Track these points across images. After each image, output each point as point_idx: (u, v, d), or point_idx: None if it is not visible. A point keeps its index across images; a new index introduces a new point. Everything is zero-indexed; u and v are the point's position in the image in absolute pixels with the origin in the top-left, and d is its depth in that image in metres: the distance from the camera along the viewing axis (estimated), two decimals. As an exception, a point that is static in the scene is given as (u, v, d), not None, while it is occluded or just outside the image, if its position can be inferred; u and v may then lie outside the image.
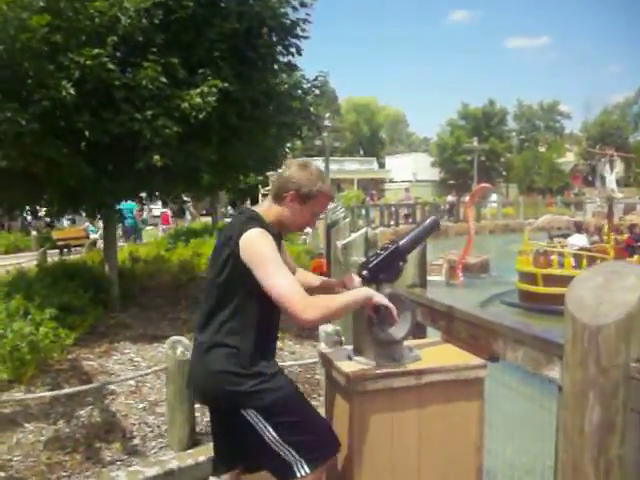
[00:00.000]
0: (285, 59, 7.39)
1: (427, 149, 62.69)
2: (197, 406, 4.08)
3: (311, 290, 2.50)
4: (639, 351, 1.75)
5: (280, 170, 2.54)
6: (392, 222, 27.78)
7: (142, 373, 4.77)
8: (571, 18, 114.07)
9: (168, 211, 23.88)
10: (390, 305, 2.33)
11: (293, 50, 7.22)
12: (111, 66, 5.88)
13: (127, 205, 18.83)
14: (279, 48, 7.12)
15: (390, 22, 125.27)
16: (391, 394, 2.43)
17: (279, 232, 2.45)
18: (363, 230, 5.79)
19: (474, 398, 2.58)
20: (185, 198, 11.14)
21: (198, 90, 6.19)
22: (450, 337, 2.90)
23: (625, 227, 15.26)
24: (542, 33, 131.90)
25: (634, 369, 1.73)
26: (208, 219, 20.63)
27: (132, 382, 4.99)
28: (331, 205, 15.29)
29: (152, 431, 4.34)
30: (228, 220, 2.55)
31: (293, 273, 2.52)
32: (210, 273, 2.44)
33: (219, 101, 6.35)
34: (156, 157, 6.10)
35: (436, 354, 2.70)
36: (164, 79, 6.11)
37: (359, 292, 2.33)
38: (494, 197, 36.87)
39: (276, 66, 7.25)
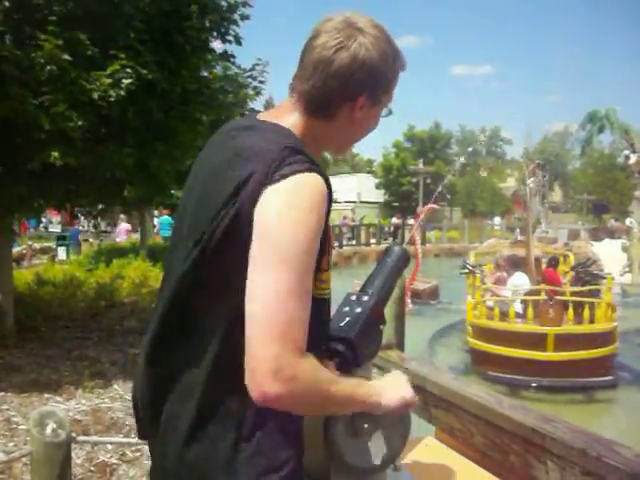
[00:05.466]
0: (220, 48, 6.26)
1: (371, 170, 62.27)
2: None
3: None
4: None
5: (314, 49, 1.22)
6: (336, 243, 28.28)
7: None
8: (512, 49, 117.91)
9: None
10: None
11: (231, 38, 6.06)
12: None
13: (164, 218, 17.55)
14: (214, 34, 5.96)
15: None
16: None
17: None
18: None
19: None
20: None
21: (109, 71, 5.03)
22: (452, 439, 1.84)
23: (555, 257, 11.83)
24: (485, 62, 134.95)
25: None
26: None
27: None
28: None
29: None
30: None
31: None
32: (175, 265, 1.21)
33: (139, 91, 5.20)
34: (54, 154, 4.85)
35: None
36: (67, 56, 4.92)
37: (384, 386, 1.28)
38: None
39: (210, 56, 6.07)
